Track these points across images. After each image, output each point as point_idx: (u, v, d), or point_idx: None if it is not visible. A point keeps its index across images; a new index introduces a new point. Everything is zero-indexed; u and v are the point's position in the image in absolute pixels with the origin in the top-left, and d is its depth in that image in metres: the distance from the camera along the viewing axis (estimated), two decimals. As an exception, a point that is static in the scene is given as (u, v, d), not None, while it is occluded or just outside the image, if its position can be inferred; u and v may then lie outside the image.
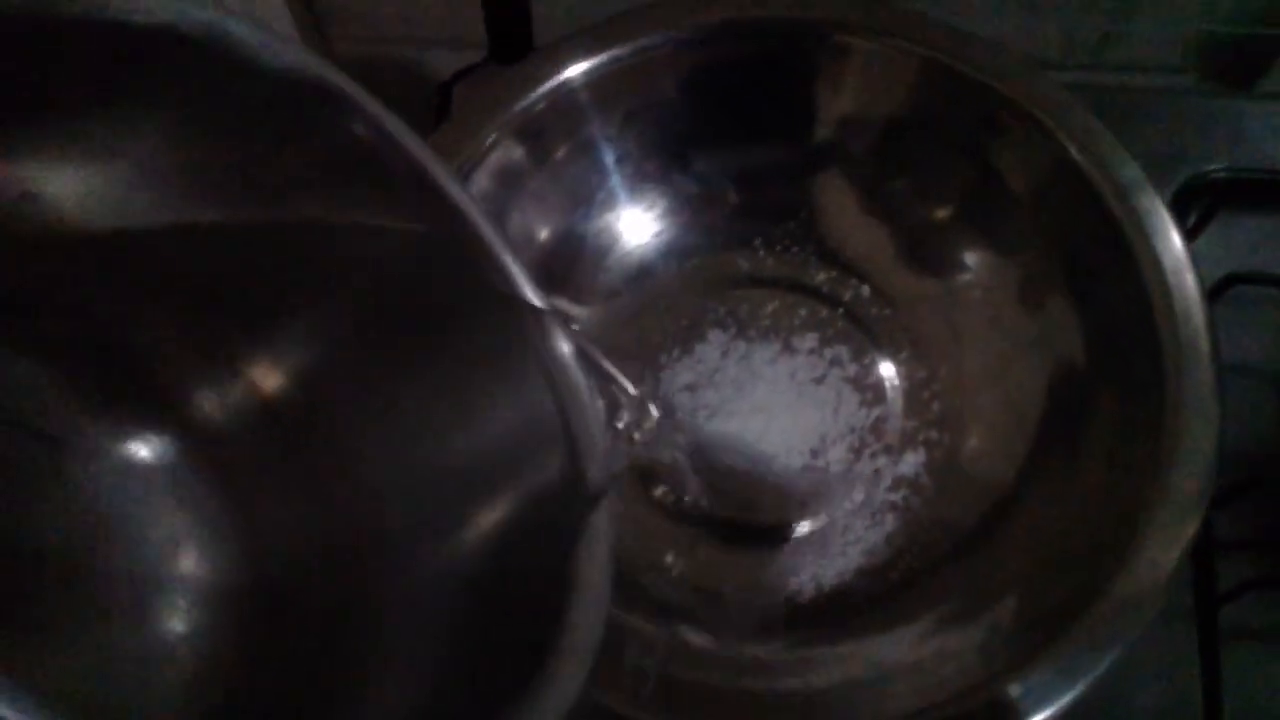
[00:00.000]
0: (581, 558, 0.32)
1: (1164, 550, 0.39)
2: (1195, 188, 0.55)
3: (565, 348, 0.35)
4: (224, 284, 0.36)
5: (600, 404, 0.35)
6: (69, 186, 0.31)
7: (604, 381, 0.37)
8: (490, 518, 0.34)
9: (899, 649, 0.42)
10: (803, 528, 0.48)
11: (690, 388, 0.50)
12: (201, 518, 0.35)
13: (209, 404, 0.37)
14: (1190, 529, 0.39)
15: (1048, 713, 0.38)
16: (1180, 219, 0.53)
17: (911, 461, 0.49)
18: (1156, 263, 0.43)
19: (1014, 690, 0.38)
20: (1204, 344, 0.42)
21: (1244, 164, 0.56)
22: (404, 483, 0.36)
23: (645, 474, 0.49)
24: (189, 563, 0.34)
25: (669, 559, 0.47)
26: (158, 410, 0.36)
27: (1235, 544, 0.49)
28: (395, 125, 0.33)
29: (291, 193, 0.35)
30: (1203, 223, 0.54)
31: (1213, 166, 0.55)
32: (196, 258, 0.35)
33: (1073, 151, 0.45)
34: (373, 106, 0.33)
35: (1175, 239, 0.43)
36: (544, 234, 0.49)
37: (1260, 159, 0.56)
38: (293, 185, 0.34)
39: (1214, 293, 0.51)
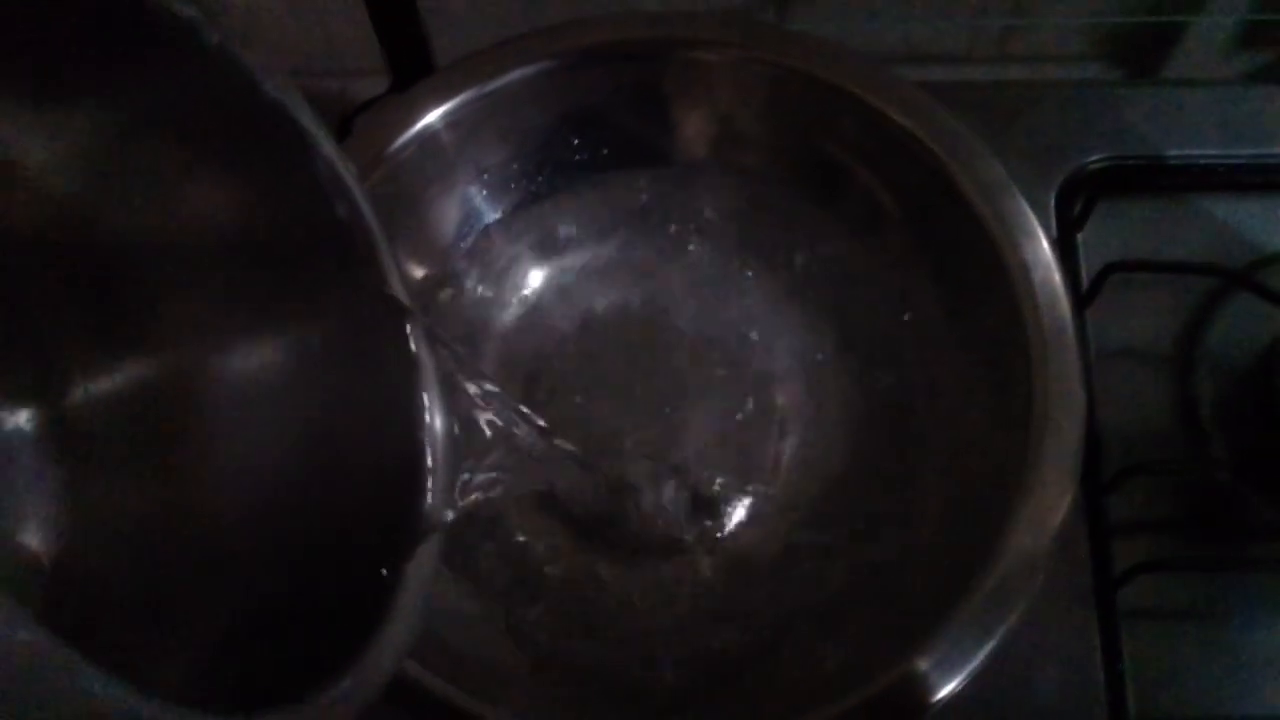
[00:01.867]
0: (402, 583, 0.33)
1: (1034, 537, 0.40)
2: (1080, 178, 0.56)
3: (426, 356, 0.35)
4: (125, 275, 0.37)
5: (454, 431, 0.36)
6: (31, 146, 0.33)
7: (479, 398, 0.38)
8: (320, 520, 0.35)
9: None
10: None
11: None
12: (38, 490, 0.36)
13: (83, 385, 0.37)
14: (1058, 516, 0.41)
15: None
16: (1067, 210, 0.55)
17: (785, 474, 0.50)
18: (1021, 261, 0.44)
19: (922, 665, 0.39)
20: (1069, 337, 0.42)
21: (1128, 151, 0.57)
22: (246, 477, 0.37)
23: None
24: (11, 531, 0.35)
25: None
26: (39, 385, 0.37)
27: (1129, 527, 0.50)
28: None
29: (211, 196, 0.36)
30: (1087, 212, 0.55)
31: (1094, 157, 0.56)
32: (111, 246, 0.36)
33: (938, 153, 0.46)
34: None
35: (1039, 234, 0.44)
36: (420, 274, 0.50)
37: (1147, 145, 0.57)
38: (214, 186, 0.36)
39: (1096, 282, 0.52)
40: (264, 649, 0.33)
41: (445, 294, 0.51)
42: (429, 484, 0.34)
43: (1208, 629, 0.48)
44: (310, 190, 0.35)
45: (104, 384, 0.38)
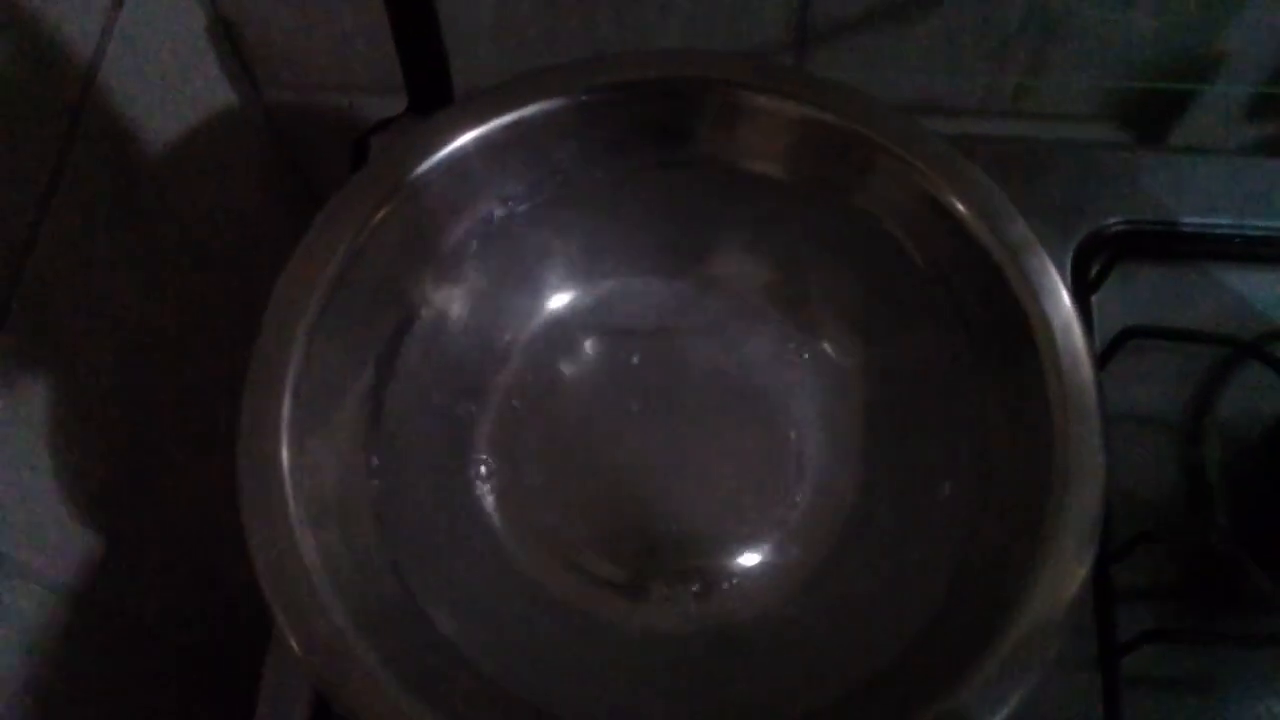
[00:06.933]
0: None
1: (1050, 605, 0.40)
2: (1097, 241, 0.56)
3: None
4: None
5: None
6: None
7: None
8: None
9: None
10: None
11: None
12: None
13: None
14: (1075, 584, 0.40)
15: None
16: (1083, 271, 0.55)
17: (802, 518, 0.50)
18: (1045, 321, 0.43)
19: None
20: (1091, 402, 0.42)
21: (1144, 217, 0.57)
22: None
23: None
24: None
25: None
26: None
27: (1134, 594, 0.50)
28: None
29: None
30: (1103, 275, 0.55)
31: (1112, 220, 0.57)
32: None
33: (961, 210, 0.45)
34: None
35: (1064, 297, 0.44)
36: (434, 296, 0.50)
37: (1163, 211, 0.57)
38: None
39: (1112, 345, 0.52)
40: None
41: (458, 316, 0.51)
42: None
43: (1208, 700, 0.48)
44: None
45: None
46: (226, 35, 0.66)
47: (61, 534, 0.52)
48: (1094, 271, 0.55)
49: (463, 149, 0.47)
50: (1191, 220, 0.57)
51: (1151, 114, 0.68)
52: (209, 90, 0.66)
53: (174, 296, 0.61)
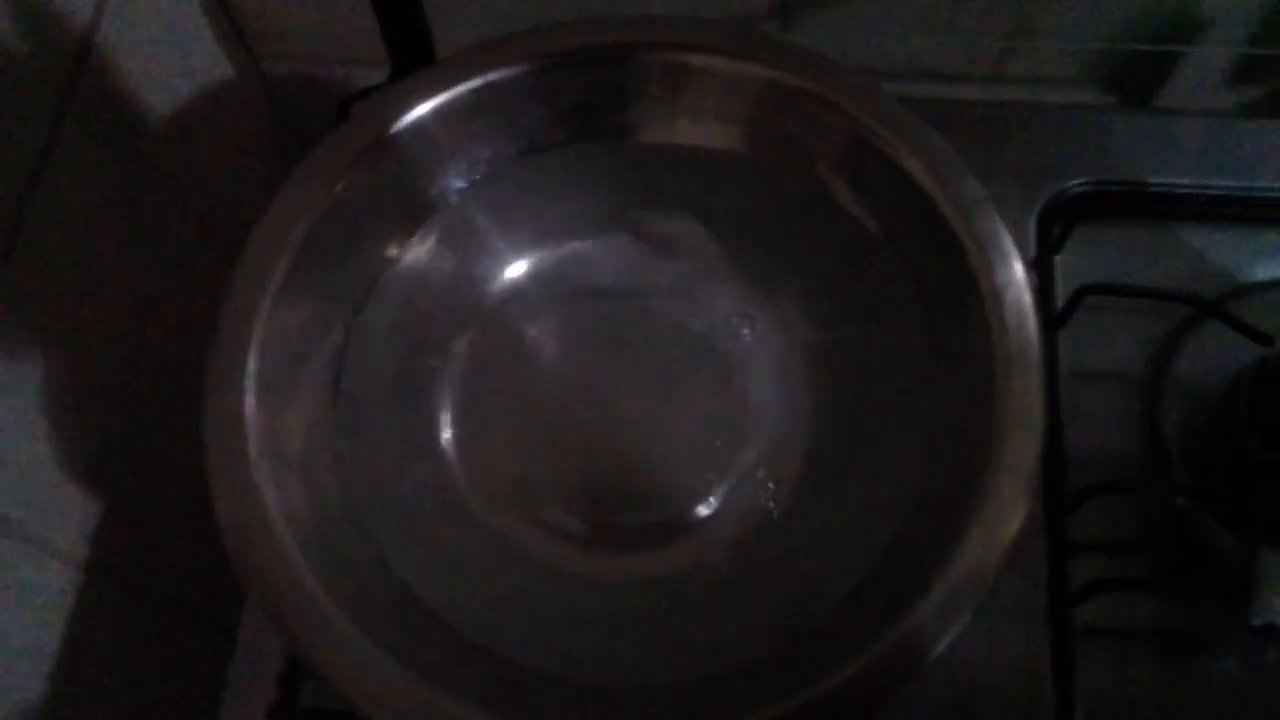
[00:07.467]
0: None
1: (986, 549, 0.40)
2: (1061, 201, 0.57)
3: None
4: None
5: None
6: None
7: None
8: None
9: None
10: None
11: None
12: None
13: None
14: (1012, 528, 0.41)
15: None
16: (1047, 231, 0.56)
17: (757, 472, 0.51)
18: (993, 281, 0.44)
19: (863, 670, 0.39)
20: (1034, 358, 0.43)
21: (1111, 177, 0.57)
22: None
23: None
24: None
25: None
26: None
27: (1088, 546, 0.51)
28: None
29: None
30: (1065, 235, 0.55)
31: (1076, 181, 0.57)
32: None
33: (916, 171, 0.46)
34: None
35: (1012, 253, 0.44)
36: (404, 258, 0.51)
37: (1131, 172, 0.58)
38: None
39: (1070, 304, 0.53)
40: None
41: (425, 276, 0.52)
42: None
43: (1160, 651, 0.49)
44: None
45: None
46: (221, 5, 0.67)
47: (61, 497, 0.54)
48: (1056, 232, 0.56)
49: (429, 114, 0.48)
50: (1158, 180, 0.58)
51: (1136, 79, 0.68)
52: (204, 60, 0.67)
53: (170, 263, 0.63)
